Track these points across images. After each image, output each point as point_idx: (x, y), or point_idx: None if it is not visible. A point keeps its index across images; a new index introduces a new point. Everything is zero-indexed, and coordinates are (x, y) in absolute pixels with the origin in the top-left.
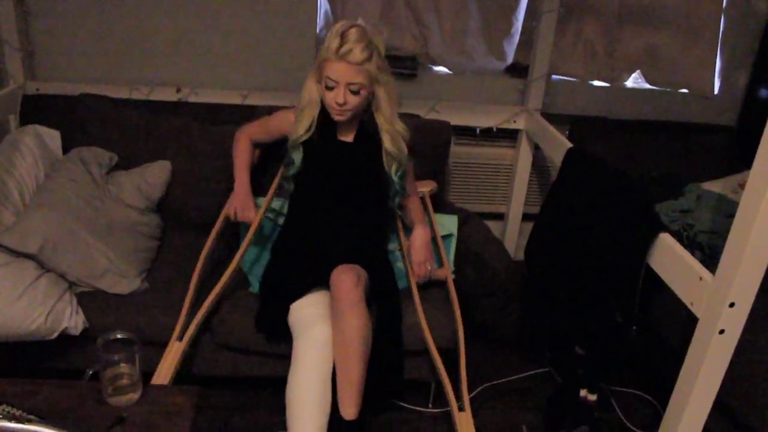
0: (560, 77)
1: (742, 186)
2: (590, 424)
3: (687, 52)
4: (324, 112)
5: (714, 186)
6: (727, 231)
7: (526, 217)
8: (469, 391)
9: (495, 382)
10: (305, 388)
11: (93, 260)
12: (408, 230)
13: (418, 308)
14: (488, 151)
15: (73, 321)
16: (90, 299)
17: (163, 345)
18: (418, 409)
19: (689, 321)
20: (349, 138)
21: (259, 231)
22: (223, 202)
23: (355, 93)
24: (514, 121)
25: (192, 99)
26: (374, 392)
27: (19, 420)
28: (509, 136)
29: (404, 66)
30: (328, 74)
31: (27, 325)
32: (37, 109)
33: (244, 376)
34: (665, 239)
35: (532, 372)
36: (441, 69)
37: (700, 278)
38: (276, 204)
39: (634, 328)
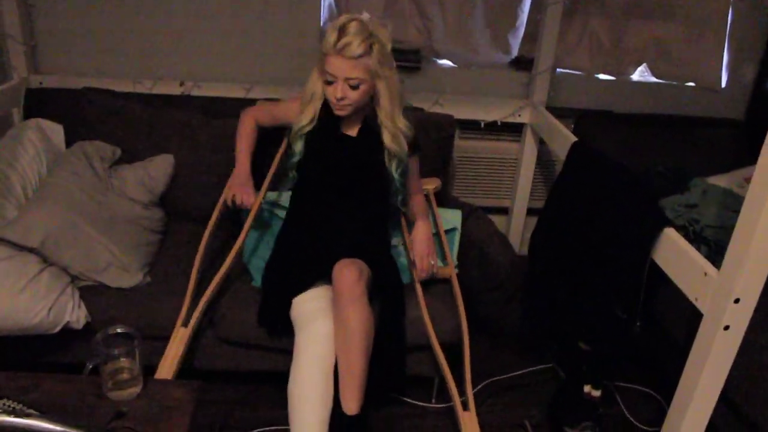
0: (565, 70)
1: (748, 180)
2: (594, 420)
3: (694, 44)
4: (328, 106)
5: (720, 180)
6: (733, 226)
7: (530, 211)
8: (473, 386)
9: (498, 377)
10: (307, 382)
11: (95, 254)
12: (411, 225)
13: (420, 303)
14: (492, 144)
15: (76, 315)
16: (92, 293)
17: (165, 339)
18: (420, 404)
19: (694, 316)
20: (352, 132)
21: (261, 225)
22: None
23: (354, 88)
24: (519, 115)
25: (195, 92)
26: (376, 387)
27: (18, 414)
28: (514, 129)
29: (408, 59)
30: (327, 69)
31: (29, 319)
32: (40, 103)
33: (246, 370)
34: (669, 234)
35: (535, 368)
36: (445, 62)
37: (705, 273)
38: (272, 195)
39: (638, 323)
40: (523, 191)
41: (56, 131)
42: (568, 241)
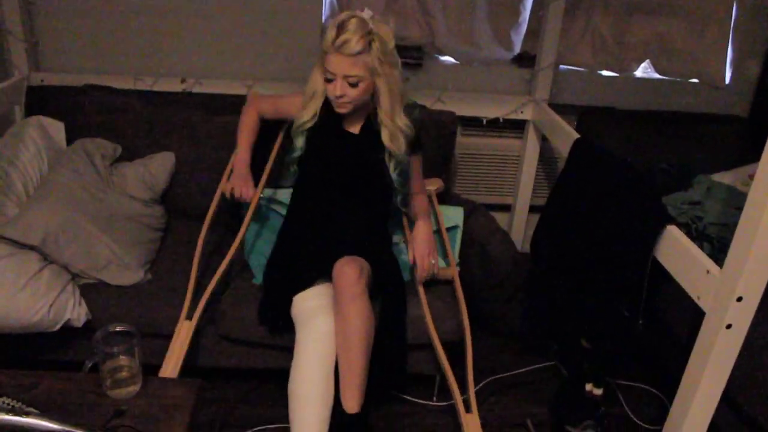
0: (568, 67)
1: (752, 177)
2: (596, 419)
3: (697, 40)
4: (330, 103)
5: (724, 177)
6: (737, 223)
7: (533, 208)
8: (474, 384)
9: (500, 375)
10: (308, 380)
11: (96, 252)
12: (413, 224)
13: (422, 301)
14: (495, 141)
15: (76, 313)
16: (93, 291)
17: (166, 337)
18: (421, 402)
19: (696, 314)
20: (355, 129)
21: (262, 222)
22: None
23: (353, 85)
24: (521, 112)
25: (196, 89)
26: (377, 385)
27: (17, 413)
28: (516, 126)
29: (410, 56)
30: (327, 66)
31: (30, 317)
32: (41, 100)
33: (247, 368)
34: (672, 231)
35: (537, 366)
36: (447, 59)
37: (708, 271)
38: (268, 192)
39: (640, 321)
40: (525, 188)
41: (57, 128)
42: (570, 238)
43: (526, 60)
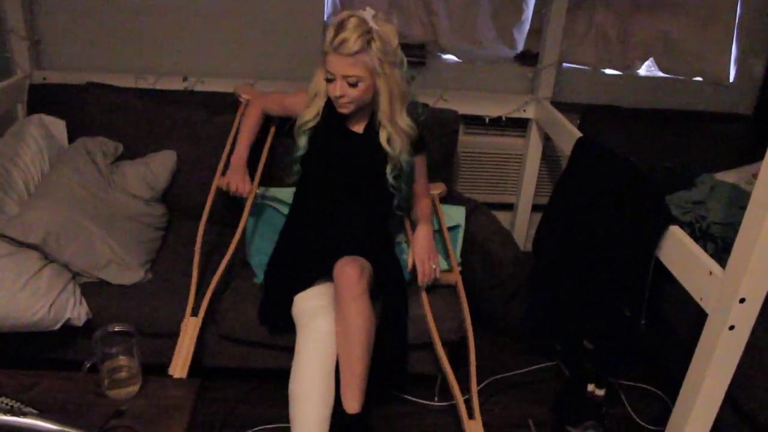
0: (571, 65)
1: (756, 176)
2: (598, 419)
3: (702, 38)
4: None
5: (728, 176)
6: (741, 223)
7: (535, 207)
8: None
9: (501, 375)
10: (308, 380)
11: (96, 251)
12: (415, 225)
13: (423, 301)
14: (497, 140)
15: (77, 312)
16: (94, 290)
17: (167, 336)
18: (422, 402)
19: (699, 315)
20: (359, 129)
21: (263, 221)
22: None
23: (353, 85)
24: (524, 110)
25: (198, 88)
26: (378, 385)
27: (16, 413)
28: (519, 125)
29: (413, 54)
30: (326, 67)
31: (30, 316)
32: (43, 99)
33: (247, 367)
34: (675, 232)
35: (539, 366)
36: (450, 57)
37: (710, 272)
38: (273, 191)
39: (643, 321)
40: (528, 187)
41: (59, 127)
42: (572, 238)
43: (529, 58)
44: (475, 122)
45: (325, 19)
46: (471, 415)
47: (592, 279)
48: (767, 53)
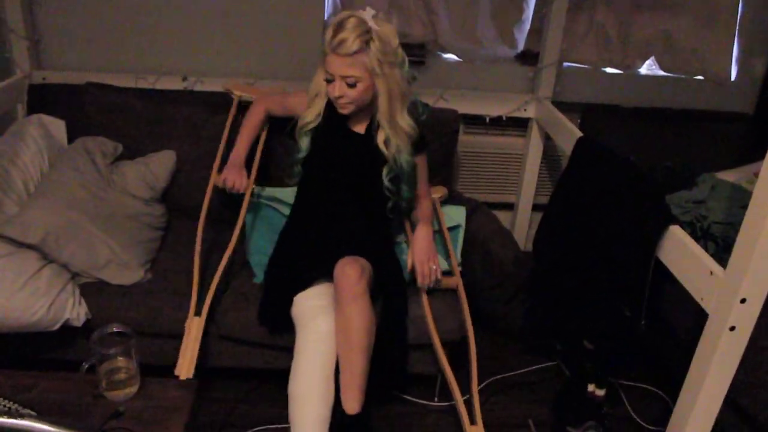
0: (572, 64)
1: (757, 175)
2: (598, 420)
3: (703, 37)
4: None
5: (729, 176)
6: (742, 222)
7: (536, 207)
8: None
9: (502, 375)
10: (308, 381)
11: (96, 251)
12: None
13: (423, 302)
14: (498, 140)
15: (76, 312)
16: (93, 290)
17: (167, 336)
18: (422, 402)
19: (700, 315)
20: (360, 129)
21: (263, 221)
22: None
23: (352, 86)
24: (524, 110)
25: (198, 87)
26: (378, 385)
27: (13, 415)
28: (519, 124)
29: (413, 54)
30: (325, 67)
31: (29, 316)
32: (43, 99)
33: (247, 367)
34: (675, 232)
35: (539, 366)
36: (450, 56)
37: (711, 272)
38: (273, 191)
39: (643, 321)
40: (528, 187)
41: (58, 127)
42: (572, 237)
43: (529, 57)
44: (475, 122)
45: (325, 19)
46: (473, 421)
47: (592, 279)
48: None
